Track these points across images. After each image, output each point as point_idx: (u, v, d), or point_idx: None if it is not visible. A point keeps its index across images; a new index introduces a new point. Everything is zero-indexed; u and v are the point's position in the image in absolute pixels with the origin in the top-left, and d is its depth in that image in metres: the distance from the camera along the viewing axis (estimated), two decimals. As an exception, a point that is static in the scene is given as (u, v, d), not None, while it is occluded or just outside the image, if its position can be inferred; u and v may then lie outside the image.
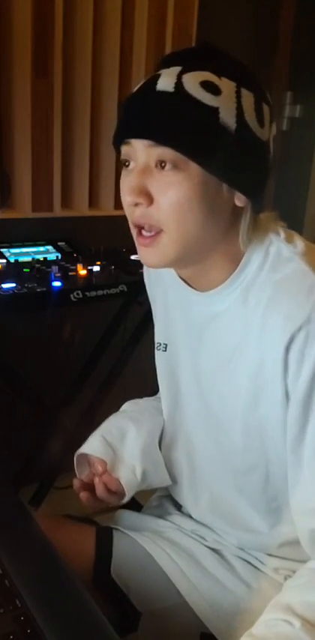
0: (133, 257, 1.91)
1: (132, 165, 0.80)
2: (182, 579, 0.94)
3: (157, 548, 0.97)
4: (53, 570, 0.75)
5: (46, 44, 1.77)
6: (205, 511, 0.99)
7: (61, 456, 1.76)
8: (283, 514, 0.89)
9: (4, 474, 0.95)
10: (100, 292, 1.64)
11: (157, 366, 1.03)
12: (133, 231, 0.83)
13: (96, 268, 1.71)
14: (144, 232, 0.80)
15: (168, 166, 0.75)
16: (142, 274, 1.77)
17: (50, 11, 1.75)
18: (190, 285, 0.90)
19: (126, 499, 0.97)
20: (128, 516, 1.06)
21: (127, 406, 1.10)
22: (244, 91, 0.76)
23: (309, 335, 0.75)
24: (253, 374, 0.82)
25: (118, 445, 0.99)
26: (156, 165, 0.76)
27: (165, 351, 0.99)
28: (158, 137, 0.75)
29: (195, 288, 0.89)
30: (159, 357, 1.02)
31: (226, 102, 0.74)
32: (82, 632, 0.66)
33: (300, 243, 0.84)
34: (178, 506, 1.08)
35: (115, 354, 2.02)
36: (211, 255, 0.83)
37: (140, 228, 0.81)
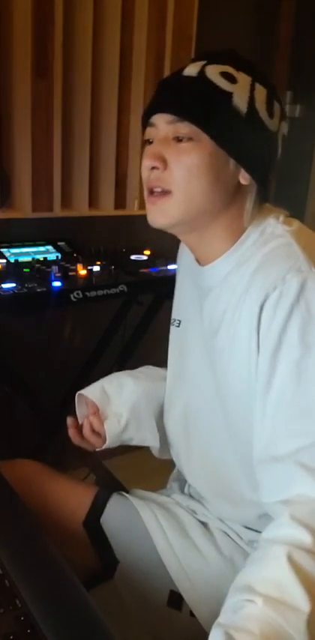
0: (133, 257, 1.91)
1: (153, 141, 0.91)
2: (162, 538, 1.01)
3: (148, 510, 1.05)
4: (53, 570, 0.75)
5: (46, 44, 1.77)
6: (197, 474, 1.05)
7: (60, 455, 1.77)
8: None
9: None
10: (100, 292, 1.64)
11: (169, 340, 1.10)
12: (146, 194, 0.92)
13: (96, 268, 1.71)
14: (154, 191, 0.90)
15: (184, 139, 0.87)
16: (142, 274, 1.78)
17: (50, 11, 1.75)
18: (197, 261, 0.98)
19: (107, 443, 1.08)
20: (138, 492, 1.15)
21: (141, 368, 1.21)
22: (258, 86, 0.88)
23: (282, 293, 0.81)
24: (231, 340, 0.88)
25: (114, 395, 1.11)
26: (174, 139, 0.88)
27: (178, 326, 1.08)
28: (177, 112, 0.87)
29: (199, 263, 0.97)
30: (172, 332, 1.10)
31: (240, 89, 0.86)
32: (82, 632, 0.66)
33: (295, 223, 0.91)
34: (181, 488, 1.14)
35: (115, 354, 2.02)
36: (211, 226, 0.91)
37: (152, 191, 0.90)
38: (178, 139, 0.87)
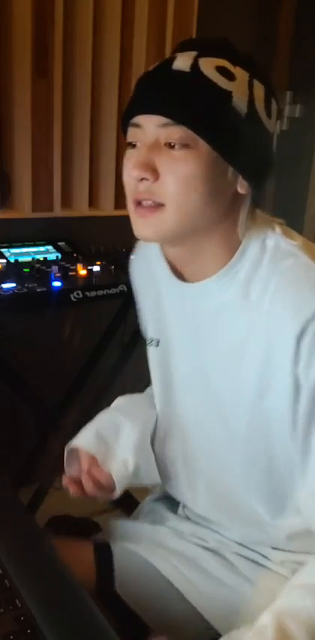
0: (133, 257, 1.91)
1: (139, 144, 0.80)
2: (188, 587, 0.93)
3: (159, 559, 0.95)
4: (53, 570, 0.75)
5: (46, 44, 1.77)
6: (205, 504, 0.98)
7: (60, 456, 1.77)
8: (288, 502, 0.88)
9: (4, 474, 0.95)
10: (100, 292, 1.64)
11: (149, 361, 1.02)
12: (132, 205, 0.82)
13: (96, 268, 1.71)
14: (144, 203, 0.80)
15: (177, 146, 0.76)
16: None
17: (50, 11, 1.75)
18: (183, 277, 0.89)
19: (117, 493, 0.95)
20: (123, 526, 1.05)
21: (119, 401, 1.09)
22: (256, 82, 0.79)
23: None
24: (260, 367, 0.82)
25: (112, 439, 0.98)
26: (165, 144, 0.77)
27: (157, 346, 0.99)
28: (172, 114, 0.76)
29: (187, 279, 0.89)
30: (151, 352, 1.01)
31: (239, 88, 0.77)
32: (82, 631, 0.66)
33: (297, 237, 0.86)
34: (174, 509, 1.06)
35: (115, 354, 2.02)
36: (206, 239, 0.83)
37: (140, 202, 0.81)
38: (171, 145, 0.76)
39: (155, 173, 0.77)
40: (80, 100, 1.91)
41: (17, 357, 1.77)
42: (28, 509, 1.70)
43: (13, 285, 1.54)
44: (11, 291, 1.52)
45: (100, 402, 1.91)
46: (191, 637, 0.92)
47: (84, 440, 0.99)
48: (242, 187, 0.80)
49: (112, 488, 0.95)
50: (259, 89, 0.79)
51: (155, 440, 1.03)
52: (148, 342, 1.01)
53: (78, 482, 0.95)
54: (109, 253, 1.91)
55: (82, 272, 1.68)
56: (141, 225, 0.82)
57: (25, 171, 1.85)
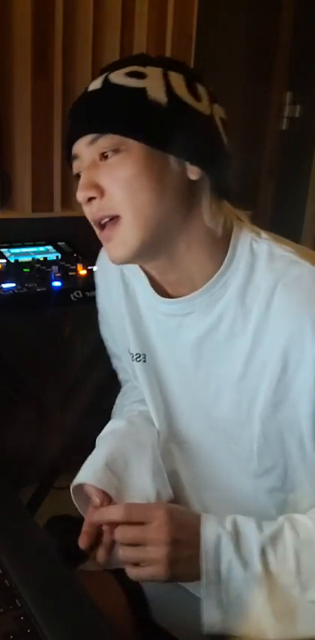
0: (96, 269, 1.91)
1: (82, 173, 0.81)
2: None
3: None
4: (53, 570, 0.75)
5: (46, 45, 1.77)
6: (215, 513, 0.94)
7: (61, 456, 1.77)
8: (298, 505, 0.86)
9: (4, 474, 0.95)
10: (100, 292, 1.63)
11: (138, 377, 0.97)
12: (97, 231, 0.83)
13: (96, 268, 1.71)
14: (102, 222, 0.81)
15: (109, 153, 0.77)
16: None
17: (50, 12, 1.75)
18: (166, 291, 0.86)
19: None
20: None
21: (116, 424, 1.00)
22: (172, 73, 0.79)
23: None
24: (275, 378, 0.79)
25: (122, 471, 0.88)
26: (100, 159, 0.78)
27: (145, 361, 0.94)
28: (93, 128, 0.78)
29: (171, 294, 0.86)
30: (139, 368, 0.95)
31: (152, 82, 0.77)
32: (82, 631, 0.66)
33: (287, 242, 0.84)
34: None
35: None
36: (178, 241, 0.81)
37: (102, 225, 0.81)
38: (105, 156, 0.77)
39: (99, 189, 0.78)
40: (80, 100, 1.91)
41: (17, 357, 1.77)
42: (28, 509, 1.70)
43: (13, 285, 1.55)
44: (11, 291, 1.52)
45: (101, 401, 1.91)
46: None
47: (92, 475, 0.87)
48: (193, 173, 0.78)
49: None
50: (176, 78, 0.78)
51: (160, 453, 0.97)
52: (134, 357, 0.95)
53: (94, 531, 0.82)
54: (109, 253, 1.91)
55: (82, 272, 1.68)
56: (109, 248, 0.82)
57: (25, 171, 1.85)
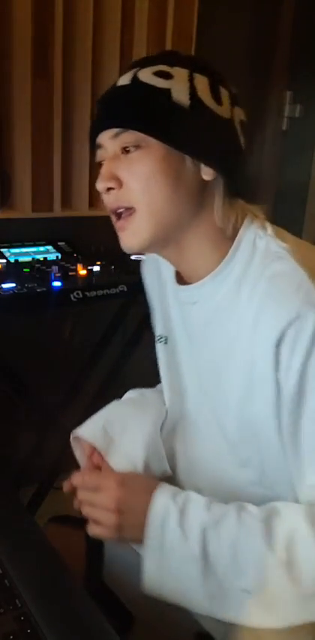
0: (133, 257, 1.91)
1: (104, 162, 0.86)
2: None
3: None
4: (53, 570, 0.75)
5: (46, 45, 1.77)
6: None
7: (61, 456, 1.77)
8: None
9: (4, 474, 0.95)
10: (100, 292, 1.64)
11: (158, 358, 1.04)
12: (114, 220, 0.87)
13: (96, 268, 1.71)
14: (118, 212, 0.85)
15: (131, 148, 0.82)
16: (141, 274, 1.78)
17: (50, 12, 1.76)
18: (183, 279, 0.92)
19: None
20: None
21: (131, 394, 1.11)
22: (198, 75, 0.82)
23: (298, 331, 0.76)
24: (247, 371, 0.83)
25: (118, 435, 0.99)
26: (122, 152, 0.83)
27: (166, 343, 1.01)
28: (118, 123, 0.82)
29: (186, 280, 0.91)
30: (160, 349, 1.04)
31: (178, 83, 0.81)
32: (81, 631, 0.66)
33: (289, 238, 0.86)
34: None
35: (115, 354, 2.02)
36: (188, 235, 0.86)
37: (118, 215, 0.85)
38: (126, 150, 0.82)
39: (118, 180, 0.83)
40: (80, 100, 1.92)
41: (17, 357, 1.77)
42: (28, 509, 1.70)
43: (13, 285, 1.55)
44: (11, 291, 1.52)
45: (101, 401, 1.92)
46: (173, 630, 0.93)
47: (89, 431, 1.01)
48: (207, 174, 0.83)
49: None
50: (201, 80, 0.82)
51: (161, 434, 1.03)
52: (156, 338, 1.04)
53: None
54: (109, 253, 1.91)
55: (82, 272, 1.68)
56: (123, 237, 0.87)
57: (25, 171, 1.85)
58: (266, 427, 0.83)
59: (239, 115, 0.86)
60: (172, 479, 1.03)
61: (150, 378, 1.14)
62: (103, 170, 0.84)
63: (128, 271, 1.76)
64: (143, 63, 0.85)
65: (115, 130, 0.82)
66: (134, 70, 0.84)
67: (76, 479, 0.89)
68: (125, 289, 1.68)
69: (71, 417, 1.79)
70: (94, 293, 1.63)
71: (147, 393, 1.11)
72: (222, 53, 2.19)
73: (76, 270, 1.68)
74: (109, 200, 0.85)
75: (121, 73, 2.12)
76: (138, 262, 1.86)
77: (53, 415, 1.90)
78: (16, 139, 1.85)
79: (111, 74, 1.95)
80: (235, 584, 0.76)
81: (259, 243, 0.85)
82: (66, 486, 0.91)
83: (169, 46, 2.04)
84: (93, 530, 0.85)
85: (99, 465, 0.98)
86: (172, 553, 0.79)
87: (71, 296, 1.59)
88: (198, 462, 0.98)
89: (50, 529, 1.01)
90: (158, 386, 1.11)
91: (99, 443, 0.98)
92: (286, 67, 2.44)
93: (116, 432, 1.00)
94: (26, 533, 0.82)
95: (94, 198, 2.05)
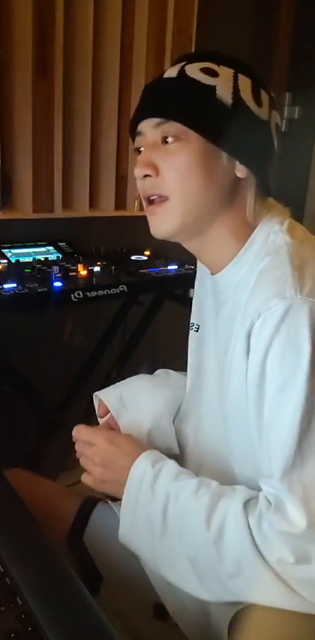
0: (133, 257, 1.92)
1: (142, 149, 0.89)
2: None
3: None
4: (54, 568, 0.75)
5: (46, 46, 1.78)
6: None
7: (61, 455, 1.77)
8: None
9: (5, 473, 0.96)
10: (100, 292, 1.64)
11: (189, 344, 1.08)
12: (145, 205, 0.90)
13: (96, 268, 1.72)
14: (151, 199, 0.88)
15: (170, 139, 0.85)
16: (142, 275, 1.79)
17: (51, 13, 1.76)
18: (208, 269, 0.96)
19: None
20: None
21: (159, 371, 1.17)
22: (242, 76, 0.86)
23: (265, 320, 0.78)
24: (229, 363, 0.86)
25: (131, 405, 1.07)
26: (162, 142, 0.86)
27: (197, 331, 1.05)
28: (161, 113, 0.85)
29: (211, 272, 0.94)
30: (191, 336, 1.07)
31: (223, 81, 0.84)
32: (82, 629, 0.66)
33: (298, 233, 0.88)
34: None
35: (115, 354, 2.03)
36: (215, 227, 0.89)
37: (151, 201, 0.89)
38: (166, 141, 0.85)
39: (155, 169, 0.86)
40: (81, 101, 1.92)
41: (18, 357, 1.77)
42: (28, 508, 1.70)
43: (14, 285, 1.55)
44: (12, 291, 1.53)
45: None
46: (135, 596, 0.99)
47: (108, 395, 1.09)
48: (241, 172, 0.86)
49: None
50: (244, 82, 0.85)
51: (177, 415, 1.08)
52: (190, 325, 1.07)
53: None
54: (110, 253, 1.91)
55: (83, 272, 1.69)
56: (153, 222, 0.90)
57: (26, 172, 1.85)
58: (245, 416, 0.84)
59: (276, 118, 0.90)
60: (179, 458, 1.05)
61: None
62: (142, 157, 0.87)
63: (128, 271, 1.77)
64: (190, 58, 0.88)
65: (157, 120, 0.85)
66: (181, 64, 0.87)
67: (74, 432, 0.98)
68: (125, 289, 1.68)
69: (71, 417, 1.80)
70: (94, 293, 1.63)
71: (172, 373, 1.16)
72: (222, 54, 2.20)
73: (76, 271, 1.68)
74: (145, 186, 0.88)
75: (122, 73, 2.14)
76: (138, 263, 1.88)
77: (53, 415, 1.91)
78: (16, 140, 1.85)
79: (111, 74, 1.96)
80: (181, 550, 0.81)
81: (271, 237, 0.87)
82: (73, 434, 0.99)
83: (169, 46, 2.04)
84: (84, 478, 0.94)
85: (112, 426, 1.06)
86: (142, 512, 0.85)
87: (72, 296, 1.59)
88: (202, 447, 1.01)
89: (50, 485, 1.18)
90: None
91: (113, 407, 1.07)
92: (285, 69, 2.44)
93: (130, 402, 1.07)
94: (27, 531, 0.82)
95: (95, 199, 2.05)
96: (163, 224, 0.88)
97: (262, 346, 0.78)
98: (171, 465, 0.88)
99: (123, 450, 0.92)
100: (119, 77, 1.96)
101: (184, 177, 0.85)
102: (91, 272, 1.70)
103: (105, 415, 1.09)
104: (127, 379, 1.13)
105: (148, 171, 0.86)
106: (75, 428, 0.98)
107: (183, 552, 0.81)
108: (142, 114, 0.88)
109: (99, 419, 1.11)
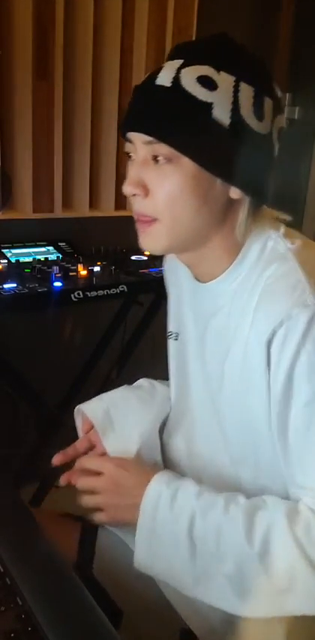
0: (133, 257, 1.92)
1: (133, 157, 0.84)
2: None
3: None
4: (54, 568, 0.75)
5: (46, 46, 1.78)
6: None
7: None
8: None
9: (5, 473, 0.95)
10: (100, 292, 1.64)
11: (168, 353, 1.05)
12: (135, 218, 0.87)
13: (96, 268, 1.72)
14: (140, 219, 0.85)
15: (162, 160, 0.80)
16: (142, 275, 1.79)
17: (51, 13, 1.76)
18: (197, 277, 0.93)
19: None
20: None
21: (142, 382, 1.14)
22: (244, 85, 0.78)
23: (288, 331, 0.77)
24: (243, 367, 0.84)
25: (118, 420, 1.02)
26: (152, 159, 0.81)
27: (176, 339, 1.02)
28: (152, 132, 0.79)
29: (199, 280, 0.92)
30: (171, 345, 1.05)
31: (221, 97, 0.77)
32: (82, 629, 0.66)
33: (298, 238, 0.86)
34: None
35: (115, 354, 2.03)
36: (206, 245, 0.86)
37: (139, 218, 0.85)
38: (157, 160, 0.80)
39: (145, 189, 0.82)
40: (81, 101, 1.92)
41: (18, 357, 1.77)
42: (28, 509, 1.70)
43: (15, 285, 1.55)
44: (12, 291, 1.53)
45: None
46: (159, 626, 0.95)
47: (92, 408, 1.05)
48: (235, 193, 0.82)
49: None
50: (246, 92, 0.78)
51: (165, 429, 1.05)
52: (168, 334, 1.05)
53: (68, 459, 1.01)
54: (110, 253, 1.91)
55: (83, 272, 1.69)
56: (142, 239, 0.86)
57: (26, 172, 1.85)
58: (260, 425, 0.84)
59: (279, 122, 0.83)
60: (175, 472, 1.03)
61: (150, 377, 1.15)
62: (132, 174, 0.83)
63: (128, 271, 1.77)
64: (188, 55, 0.80)
65: (148, 138, 0.80)
66: (177, 65, 0.79)
67: (78, 464, 0.94)
68: (125, 289, 1.69)
69: (71, 417, 1.80)
70: (94, 293, 1.64)
71: (157, 385, 1.13)
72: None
73: (76, 271, 1.68)
74: (134, 205, 0.84)
75: (122, 73, 2.14)
76: (138, 263, 1.87)
77: (53, 415, 1.91)
78: (17, 140, 1.85)
79: (111, 74, 1.96)
80: (218, 569, 0.79)
81: (269, 243, 0.85)
82: (63, 479, 0.95)
83: (169, 47, 2.04)
84: (98, 517, 0.90)
85: (93, 442, 1.02)
86: (162, 534, 0.82)
87: (72, 296, 1.59)
88: (197, 458, 0.98)
89: (46, 515, 1.05)
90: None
91: (98, 422, 1.02)
92: (285, 69, 2.44)
93: (117, 417, 1.03)
94: (27, 531, 0.82)
95: (95, 198, 2.05)
96: (151, 243, 0.86)
97: (287, 356, 0.77)
98: (188, 483, 0.85)
99: (134, 472, 0.89)
100: (119, 77, 1.96)
101: (174, 202, 0.80)
102: (91, 272, 1.70)
103: (88, 431, 1.05)
104: (111, 392, 1.09)
105: (137, 192, 0.82)
106: (78, 461, 0.96)
107: (220, 571, 0.79)
108: (133, 125, 0.82)
109: (80, 434, 1.07)
